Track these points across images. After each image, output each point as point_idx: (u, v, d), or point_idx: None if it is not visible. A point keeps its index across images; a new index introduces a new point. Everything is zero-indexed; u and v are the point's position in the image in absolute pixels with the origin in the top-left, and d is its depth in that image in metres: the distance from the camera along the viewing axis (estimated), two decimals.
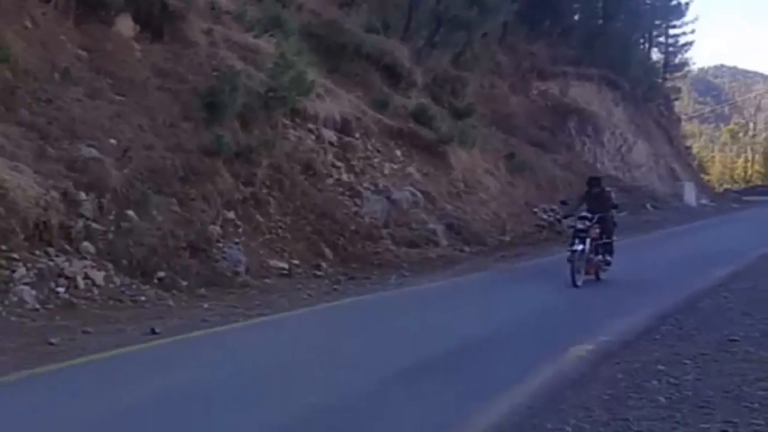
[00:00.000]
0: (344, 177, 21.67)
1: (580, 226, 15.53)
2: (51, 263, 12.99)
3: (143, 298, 13.46)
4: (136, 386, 8.31)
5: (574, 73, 48.53)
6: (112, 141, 15.72)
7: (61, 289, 12.69)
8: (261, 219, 18.00)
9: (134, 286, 13.78)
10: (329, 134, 22.41)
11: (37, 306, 12.02)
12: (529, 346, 10.50)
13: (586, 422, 6.85)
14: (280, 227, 18.35)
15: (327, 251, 18.71)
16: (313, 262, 18.04)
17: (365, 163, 22.89)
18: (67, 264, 13.14)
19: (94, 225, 14.23)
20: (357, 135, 23.42)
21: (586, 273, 15.56)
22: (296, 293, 15.25)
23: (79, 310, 12.25)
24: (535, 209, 31.75)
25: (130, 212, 14.92)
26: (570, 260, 15.18)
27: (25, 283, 12.29)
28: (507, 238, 25.98)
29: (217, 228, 16.52)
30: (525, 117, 41.40)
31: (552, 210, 31.08)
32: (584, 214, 15.89)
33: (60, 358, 9.55)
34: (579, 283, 15.04)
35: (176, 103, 17.94)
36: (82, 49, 17.04)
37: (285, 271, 17.02)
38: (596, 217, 15.81)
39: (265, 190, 18.65)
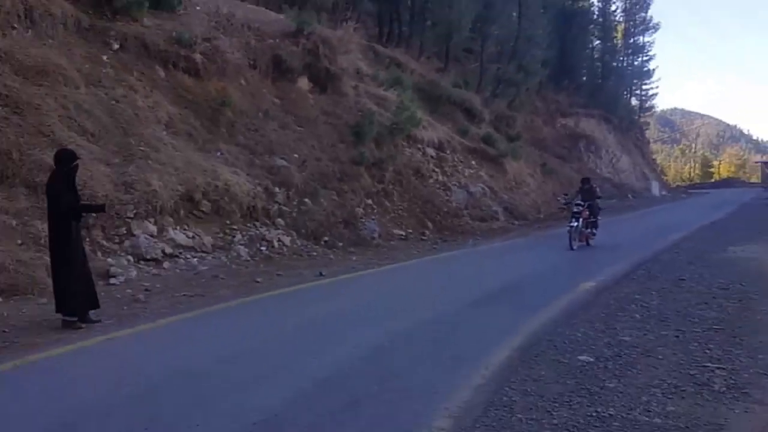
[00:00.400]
0: (440, 178, 21.26)
1: (575, 209, 14.69)
2: (257, 232, 12.96)
3: (314, 254, 13.27)
4: (311, 308, 8.36)
5: (583, 113, 48.19)
6: (295, 155, 15.56)
7: (263, 248, 12.62)
8: (388, 204, 17.54)
9: (308, 246, 13.61)
10: (430, 151, 22.04)
11: (248, 258, 11.98)
12: (554, 284, 10.19)
13: (590, 330, 6.90)
14: (400, 209, 17.87)
15: (429, 224, 18.23)
16: (420, 231, 17.54)
17: (453, 169, 22.46)
18: (266, 232, 13.13)
19: (284, 208, 14.14)
20: (448, 151, 23.01)
21: (579, 241, 14.72)
22: (409, 250, 14.81)
23: (274, 261, 12.12)
24: (558, 198, 31.22)
25: (306, 200, 14.78)
26: (569, 232, 14.36)
27: (241, 244, 12.31)
28: (541, 216, 25.34)
29: (360, 209, 16.19)
30: (552, 140, 40.90)
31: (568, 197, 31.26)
32: (578, 201, 15.01)
33: (262, 291, 9.48)
34: (574, 247, 14.29)
35: (335, 131, 17.65)
36: (276, 97, 16.91)
37: (403, 237, 16.59)
38: (586, 204, 14.96)
39: (390, 186, 18.22)
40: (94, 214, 9.08)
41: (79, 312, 6.87)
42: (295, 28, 18.15)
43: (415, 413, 4.47)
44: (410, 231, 17.08)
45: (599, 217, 15.84)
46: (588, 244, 15.14)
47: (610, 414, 4.43)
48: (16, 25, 11.04)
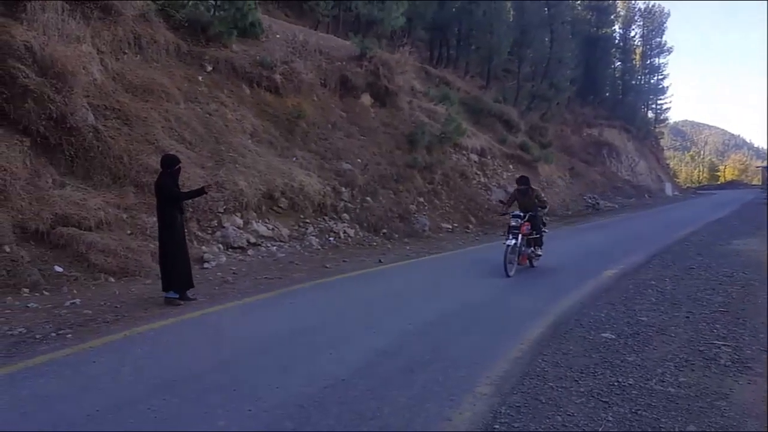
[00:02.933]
0: (481, 179, 20.40)
1: (512, 222, 9.12)
2: (326, 225, 12.58)
3: (374, 244, 12.75)
4: (372, 289, 8.19)
5: (606, 124, 46.12)
6: (359, 160, 15.06)
7: (331, 239, 12.20)
8: (437, 202, 16.81)
9: (369, 237, 13.09)
10: (474, 156, 21.20)
11: (319, 247, 11.58)
12: (582, 270, 9.67)
13: (612, 311, 6.63)
14: (447, 206, 17.11)
15: (472, 219, 17.39)
16: (465, 225, 16.73)
17: (493, 172, 21.54)
18: (334, 225, 12.73)
19: (349, 204, 13.68)
20: (489, 157, 22.08)
21: (520, 263, 9.27)
22: (456, 241, 14.11)
23: (340, 250, 11.68)
24: (584, 197, 30.17)
25: (368, 198, 14.26)
26: (504, 253, 8.85)
27: (312, 235, 11.92)
28: (569, 212, 24.35)
29: (413, 206, 15.53)
30: (579, 147, 38.98)
31: (593, 197, 30.45)
32: (516, 213, 9.40)
33: (331, 274, 9.18)
34: (511, 273, 8.79)
35: (392, 140, 17.08)
36: (343, 111, 16.44)
37: (449, 230, 15.84)
38: (527, 215, 9.34)
39: (439, 187, 17.48)
40: (190, 209, 8.85)
41: (179, 291, 6.79)
42: (359, 53, 17.70)
43: (461, 380, 4.37)
44: (456, 225, 16.35)
45: (545, 230, 10.21)
46: (532, 265, 9.76)
47: (629, 383, 4.35)
48: (126, 51, 10.94)
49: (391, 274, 9.44)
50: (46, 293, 6.84)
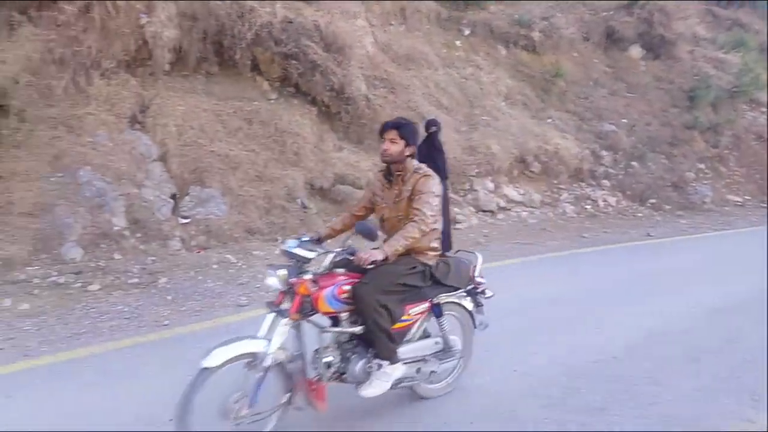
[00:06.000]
0: None
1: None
2: (582, 191, 11.78)
3: (639, 215, 11.49)
4: (642, 264, 7.26)
5: None
6: (624, 120, 13.63)
7: (587, 206, 11.41)
8: (723, 169, 14.20)
9: (633, 207, 11.83)
10: None
11: (574, 215, 10.94)
12: None
13: None
14: (737, 175, 14.31)
15: None
16: (760, 198, 13.73)
17: None
18: (592, 192, 11.87)
19: (610, 170, 12.52)
20: None
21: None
22: (748, 218, 11.90)
23: (599, 219, 10.83)
24: None
25: (634, 163, 12.82)
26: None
27: (567, 202, 11.33)
28: None
29: (692, 174, 13.36)
30: None
31: None
32: (289, 245, 3.03)
33: (589, 245, 8.62)
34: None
35: (667, 96, 14.96)
36: (607, 66, 15.00)
37: (739, 203, 13.27)
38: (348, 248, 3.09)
39: (726, 151, 14.68)
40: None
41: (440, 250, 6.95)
42: (628, 0, 15.78)
43: (759, 375, 3.70)
44: (747, 198, 13.58)
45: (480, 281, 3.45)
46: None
47: None
48: (392, 22, 11.76)
49: (663, 249, 8.41)
50: (329, 242, 7.90)
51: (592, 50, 14.84)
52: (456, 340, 3.27)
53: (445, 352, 3.21)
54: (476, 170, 10.46)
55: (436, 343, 3.18)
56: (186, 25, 8.36)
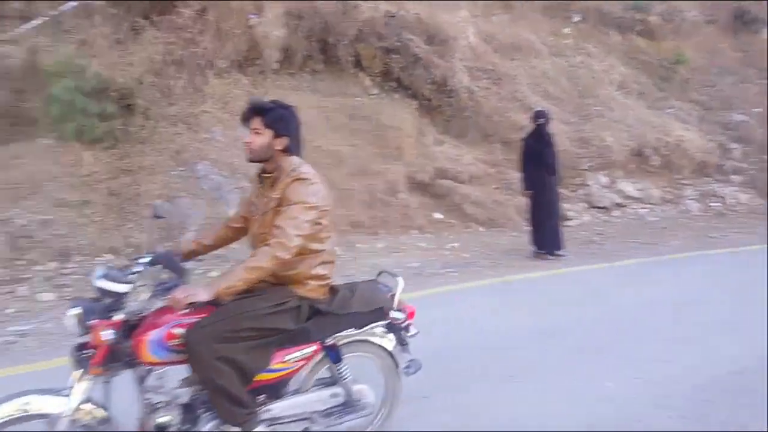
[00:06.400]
0: None
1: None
2: (708, 187, 10.74)
3: None
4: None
5: None
6: (757, 110, 12.21)
7: (715, 204, 10.38)
8: None
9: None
10: None
11: (699, 213, 10.02)
12: None
13: None
14: None
15: None
16: None
17: None
18: (719, 188, 10.79)
19: (740, 164, 11.30)
20: None
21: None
22: None
23: (728, 218, 9.85)
24: None
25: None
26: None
27: (690, 199, 10.40)
28: None
29: None
30: None
31: None
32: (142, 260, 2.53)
33: (717, 246, 7.80)
34: None
35: None
36: (737, 51, 13.58)
37: None
38: None
39: None
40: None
41: (548, 247, 6.85)
42: None
43: None
44: None
45: None
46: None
47: None
48: (496, 12, 11.37)
49: None
50: (429, 236, 7.77)
51: (719, 33, 13.52)
52: (363, 391, 2.43)
53: (347, 406, 2.39)
54: (588, 164, 9.86)
55: (333, 395, 2.36)
56: (292, 24, 8.56)
